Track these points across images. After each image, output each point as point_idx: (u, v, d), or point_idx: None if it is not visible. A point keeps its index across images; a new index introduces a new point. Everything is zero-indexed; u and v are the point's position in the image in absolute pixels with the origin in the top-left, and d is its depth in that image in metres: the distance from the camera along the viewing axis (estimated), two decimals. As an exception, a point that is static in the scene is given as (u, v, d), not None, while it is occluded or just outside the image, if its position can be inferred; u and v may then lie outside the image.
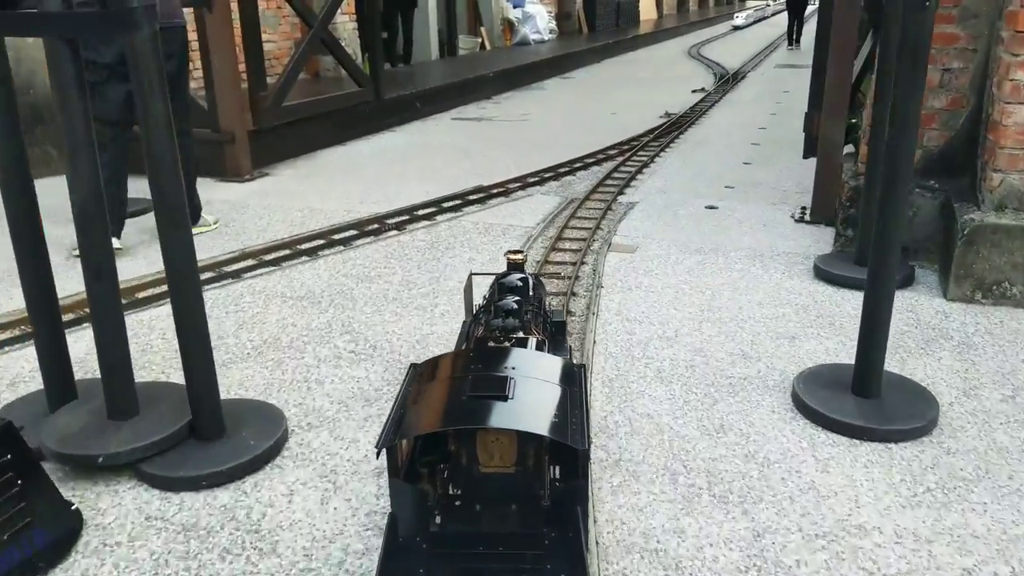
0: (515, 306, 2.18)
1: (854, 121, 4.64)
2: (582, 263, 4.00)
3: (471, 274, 2.55)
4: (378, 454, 1.61)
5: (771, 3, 36.42)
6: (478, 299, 2.43)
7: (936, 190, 3.84)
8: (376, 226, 4.74)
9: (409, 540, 1.70)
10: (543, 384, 1.77)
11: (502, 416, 1.63)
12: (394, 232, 4.65)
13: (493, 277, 2.45)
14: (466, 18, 14.57)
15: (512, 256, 2.49)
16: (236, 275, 3.92)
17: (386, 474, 1.73)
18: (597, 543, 1.98)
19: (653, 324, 3.26)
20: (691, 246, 4.30)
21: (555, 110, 9.41)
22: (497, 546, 1.70)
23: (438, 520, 1.73)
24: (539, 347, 2.10)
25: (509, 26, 15.14)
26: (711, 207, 5.10)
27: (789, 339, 3.11)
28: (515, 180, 5.83)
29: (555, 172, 6.11)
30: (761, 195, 5.41)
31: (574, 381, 1.83)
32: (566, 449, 1.67)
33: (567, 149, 6.89)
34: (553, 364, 1.90)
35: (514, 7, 15.17)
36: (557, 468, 1.82)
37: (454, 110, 9.52)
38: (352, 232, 4.62)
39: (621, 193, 5.46)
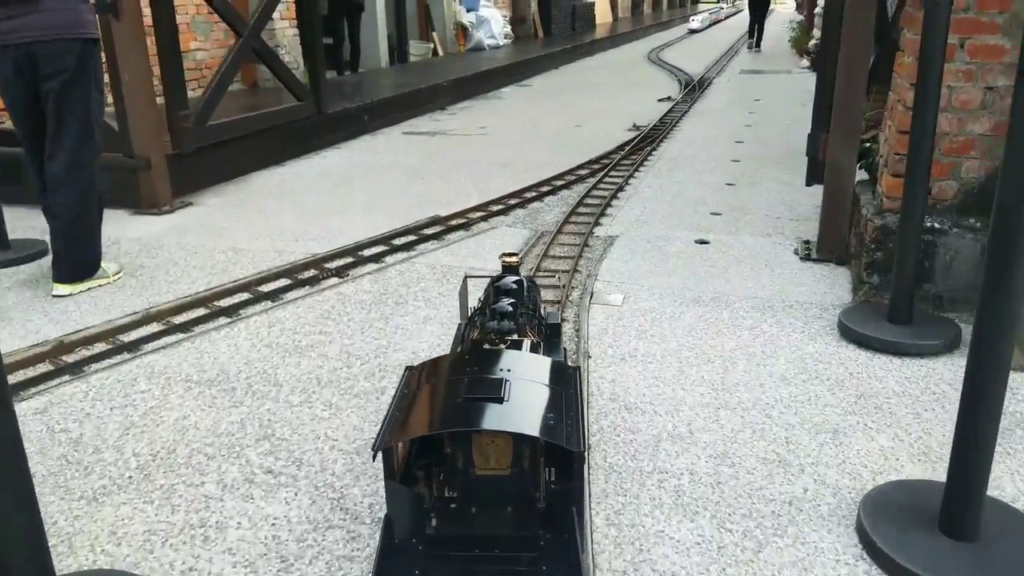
0: (510, 308, 2.16)
1: (868, 144, 4.05)
2: (562, 320, 3.31)
3: (466, 276, 2.56)
4: (374, 456, 1.62)
5: (724, 6, 36.36)
6: (473, 301, 2.38)
7: (977, 230, 3.24)
8: (313, 272, 3.99)
9: (405, 542, 1.70)
10: (538, 386, 1.78)
11: (498, 418, 1.63)
12: (334, 280, 3.91)
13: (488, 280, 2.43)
14: (417, 23, 13.83)
15: (507, 259, 2.46)
16: (133, 348, 3.14)
17: (382, 476, 1.73)
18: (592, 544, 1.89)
19: (659, 414, 2.58)
20: (687, 294, 3.65)
21: (515, 122, 8.74)
22: (493, 548, 1.71)
23: (434, 522, 1.74)
24: (534, 349, 2.08)
25: (463, 31, 14.44)
26: (702, 241, 4.47)
27: (831, 433, 2.46)
28: (476, 208, 5.13)
29: (521, 198, 5.42)
30: (753, 224, 4.80)
31: (569, 383, 1.83)
32: (561, 451, 1.67)
33: (532, 169, 6.22)
34: (548, 366, 1.89)
35: (467, 11, 14.47)
36: (552, 470, 1.80)
37: (406, 123, 8.79)
38: (283, 282, 3.86)
39: (597, 224, 4.79)
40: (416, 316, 3.42)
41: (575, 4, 20.53)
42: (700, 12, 29.62)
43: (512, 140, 7.64)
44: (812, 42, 12.73)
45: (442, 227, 4.77)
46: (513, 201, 5.34)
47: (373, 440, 1.66)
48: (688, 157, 6.70)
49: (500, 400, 1.64)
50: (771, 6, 19.43)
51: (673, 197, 5.45)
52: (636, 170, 6.22)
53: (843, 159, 3.92)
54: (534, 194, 5.52)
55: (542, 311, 2.44)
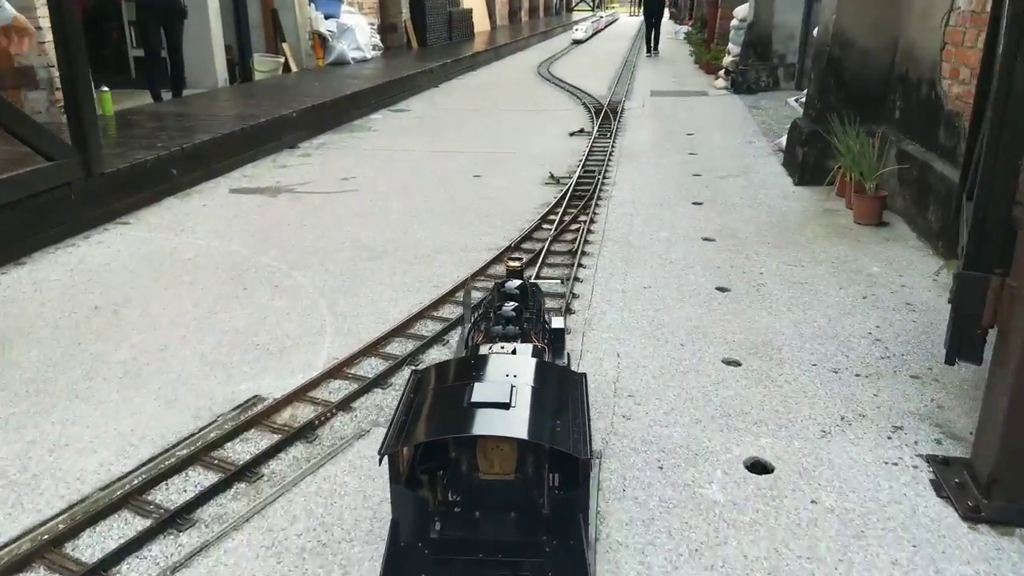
0: (515, 313, 2.19)
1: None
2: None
3: (469, 281, 2.77)
4: (380, 460, 1.61)
5: (602, 15, 35.29)
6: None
7: None
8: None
9: (411, 546, 1.71)
10: (544, 392, 1.77)
11: (504, 424, 1.63)
12: None
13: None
14: (263, 32, 11.29)
15: (511, 263, 2.46)
16: None
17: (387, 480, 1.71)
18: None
19: None
20: None
21: (392, 169, 6.50)
22: (497, 553, 1.72)
23: (438, 526, 1.74)
24: (539, 354, 2.06)
25: (321, 41, 12.01)
26: (755, 465, 2.43)
27: None
28: (318, 384, 2.90)
29: (399, 348, 3.23)
30: (821, 398, 2.82)
31: (575, 389, 1.84)
32: (566, 457, 1.67)
33: (424, 265, 4.06)
34: (553, 372, 1.95)
35: (326, 17, 12.05)
36: (556, 476, 1.78)
37: (239, 171, 6.38)
38: None
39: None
40: None
41: (451, 11, 18.44)
42: (581, 21, 28.21)
43: (390, 204, 5.41)
44: (727, 59, 11.21)
45: (251, 450, 2.51)
46: (385, 353, 3.14)
47: (380, 444, 1.63)
48: (642, 235, 4.70)
49: (506, 406, 1.64)
50: (664, 11, 19.98)
51: (650, 327, 3.40)
52: (578, 266, 4.14)
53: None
54: (422, 335, 3.33)
55: (546, 316, 2.44)
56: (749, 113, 8.95)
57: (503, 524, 1.76)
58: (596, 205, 5.35)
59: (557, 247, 4.46)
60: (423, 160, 6.88)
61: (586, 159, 6.76)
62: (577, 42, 22.88)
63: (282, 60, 11.09)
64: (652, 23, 18.04)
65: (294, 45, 11.47)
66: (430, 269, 4.11)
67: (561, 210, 5.15)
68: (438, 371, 1.90)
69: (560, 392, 1.81)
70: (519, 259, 2.52)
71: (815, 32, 6.24)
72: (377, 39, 13.95)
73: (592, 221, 4.93)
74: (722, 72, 11.26)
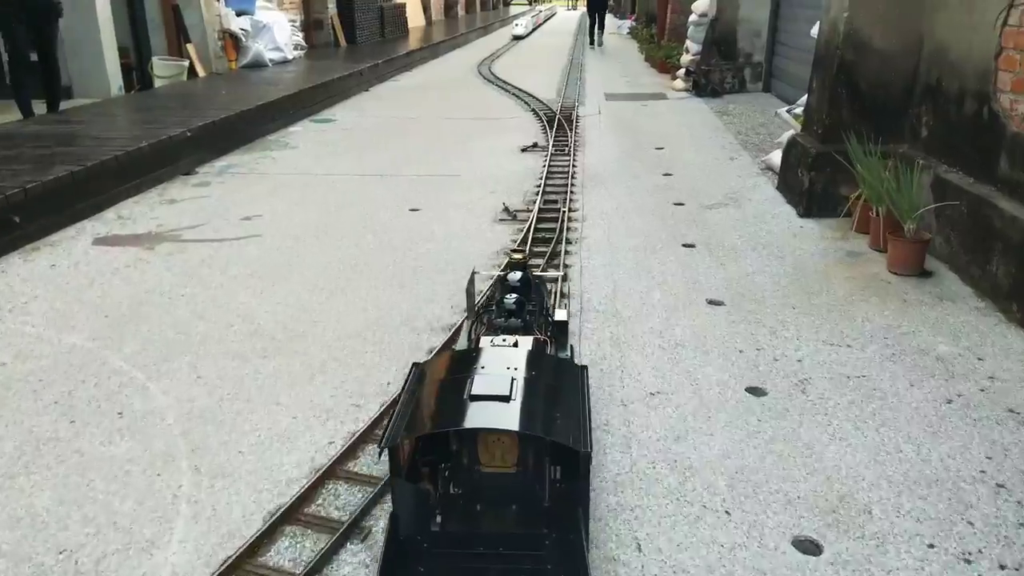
0: (518, 305, 2.19)
1: None
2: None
3: (473, 272, 2.59)
4: (380, 454, 1.77)
5: (540, 9, 34.28)
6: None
7: None
8: None
9: (410, 539, 1.70)
10: (545, 385, 1.79)
11: (505, 417, 1.64)
12: None
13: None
14: (163, 31, 9.87)
15: (513, 255, 2.46)
16: None
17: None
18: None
19: None
20: None
21: (308, 201, 5.30)
22: (497, 546, 1.71)
23: (439, 519, 1.73)
24: (541, 347, 2.08)
25: (233, 41, 10.63)
26: None
27: None
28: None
29: (294, 547, 2.07)
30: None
31: (575, 381, 1.85)
32: (567, 450, 1.66)
33: (333, 365, 2.90)
34: (555, 364, 1.96)
35: (237, 14, 10.67)
36: (557, 469, 1.78)
37: (112, 210, 5.10)
38: None
39: None
40: None
41: (383, 6, 17.12)
42: (520, 16, 27.13)
43: (302, 255, 4.22)
44: (686, 58, 10.24)
45: None
46: (293, 552, 1.99)
47: (380, 437, 1.66)
48: (630, 298, 3.62)
49: (507, 399, 1.64)
50: (608, 5, 21.01)
51: (675, 481, 2.32)
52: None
53: None
54: (353, 500, 2.18)
55: (548, 308, 2.43)
56: (719, 121, 7.98)
57: (504, 517, 1.76)
58: (566, 252, 4.26)
59: (522, 323, 3.36)
60: (348, 187, 5.67)
61: (545, 183, 5.66)
62: (517, 38, 21.77)
63: (187, 64, 9.69)
64: (596, 16, 18.38)
65: (201, 46, 10.07)
66: (353, 369, 2.96)
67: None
68: (440, 363, 1.91)
69: (562, 385, 1.82)
70: (522, 251, 2.46)
71: (813, 32, 5.27)
72: (299, 37, 12.59)
73: (565, 278, 3.83)
74: (681, 72, 10.29)
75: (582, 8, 45.80)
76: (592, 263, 4.08)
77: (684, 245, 4.36)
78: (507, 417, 1.64)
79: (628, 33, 21.99)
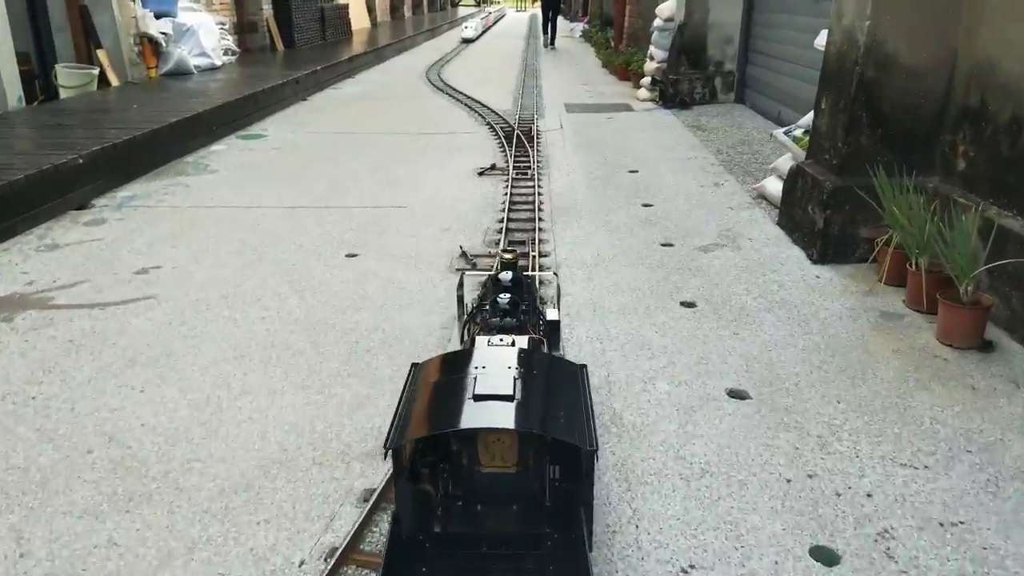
0: (512, 305, 2.18)
1: None
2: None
3: (463, 272, 2.59)
4: (386, 455, 1.61)
5: (489, 11, 33.45)
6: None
7: None
8: None
9: (412, 540, 1.69)
10: (547, 383, 1.78)
11: (509, 417, 1.62)
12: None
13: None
14: (70, 35, 8.75)
15: (504, 255, 2.43)
16: None
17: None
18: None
19: None
20: None
21: (221, 246, 4.36)
22: (500, 546, 1.71)
23: (440, 520, 1.74)
24: (537, 346, 2.09)
25: (152, 47, 9.54)
26: None
27: None
28: None
29: None
30: None
31: (576, 380, 1.84)
32: (566, 449, 1.68)
33: (203, 546, 1.98)
34: (555, 363, 1.96)
35: (157, 16, 9.59)
36: (556, 468, 1.77)
37: (-25, 263, 4.10)
38: None
39: None
40: None
41: (324, 7, 16.07)
42: (469, 17, 26.25)
43: (202, 333, 3.29)
44: (650, 65, 9.50)
45: None
46: None
47: (385, 438, 1.62)
48: (629, 390, 2.80)
49: (511, 398, 1.62)
50: (561, 6, 20.84)
51: None
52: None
53: None
54: None
55: (540, 307, 2.43)
56: (695, 137, 7.24)
57: (505, 517, 1.76)
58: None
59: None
60: (274, 225, 4.75)
61: (508, 217, 4.83)
62: (467, 41, 20.90)
63: (97, 72, 8.58)
64: (549, 17, 18.34)
65: (113, 52, 8.97)
66: (230, 550, 2.07)
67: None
68: (439, 363, 1.89)
69: (562, 383, 1.82)
70: (512, 251, 2.48)
71: (818, 43, 4.53)
72: (230, 41, 11.53)
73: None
74: (646, 81, 9.55)
75: (531, 10, 45.19)
76: (576, 334, 3.25)
77: (683, 304, 3.57)
78: (512, 417, 1.62)
79: (581, 36, 21.31)
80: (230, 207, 5.17)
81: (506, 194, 5.42)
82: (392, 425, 1.65)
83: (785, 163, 4.86)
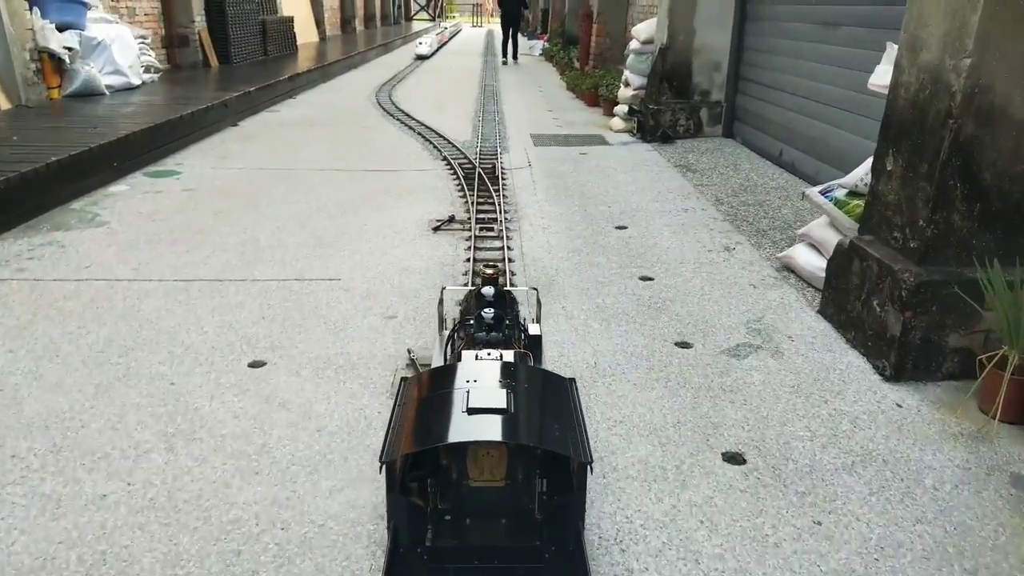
0: (496, 319, 2.18)
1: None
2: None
3: (444, 288, 2.63)
4: (381, 468, 1.64)
5: (445, 26, 32.42)
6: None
7: None
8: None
9: (409, 552, 1.72)
10: (539, 397, 1.81)
11: (506, 430, 1.62)
12: None
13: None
14: (-54, 48, 7.39)
15: (486, 270, 2.40)
16: None
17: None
18: None
19: None
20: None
21: (83, 348, 3.15)
22: (494, 559, 1.73)
23: (430, 534, 1.74)
24: (524, 360, 2.08)
25: (54, 63, 8.21)
26: None
27: None
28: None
29: None
30: None
31: (566, 394, 1.86)
32: (555, 462, 1.72)
33: None
34: (545, 377, 1.97)
35: (60, 28, 8.26)
36: (544, 482, 1.75)
37: None
38: None
39: None
40: None
41: (265, 20, 14.81)
42: (423, 33, 25.14)
43: (14, 530, 2.12)
44: (625, 92, 8.51)
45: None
46: None
47: (380, 452, 1.64)
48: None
49: (506, 412, 1.63)
50: (521, 20, 20.27)
51: None
52: None
53: None
54: None
55: (523, 322, 2.40)
56: (686, 181, 6.23)
57: (496, 531, 1.76)
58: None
59: None
60: (157, 311, 3.55)
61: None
62: (421, 57, 19.78)
63: (-21, 93, 7.25)
64: (509, 32, 18.54)
65: (4, 69, 7.63)
66: None
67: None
68: (431, 377, 1.91)
69: (553, 397, 1.83)
70: (494, 266, 2.45)
71: (875, 82, 3.53)
72: (152, 57, 10.22)
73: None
74: (620, 110, 8.55)
75: (488, 26, 44.21)
76: (590, 517, 2.15)
77: (726, 458, 2.49)
78: (510, 430, 1.62)
79: (541, 54, 20.38)
80: (107, 280, 3.95)
81: (468, 260, 4.32)
82: (386, 439, 1.69)
83: (821, 230, 3.85)
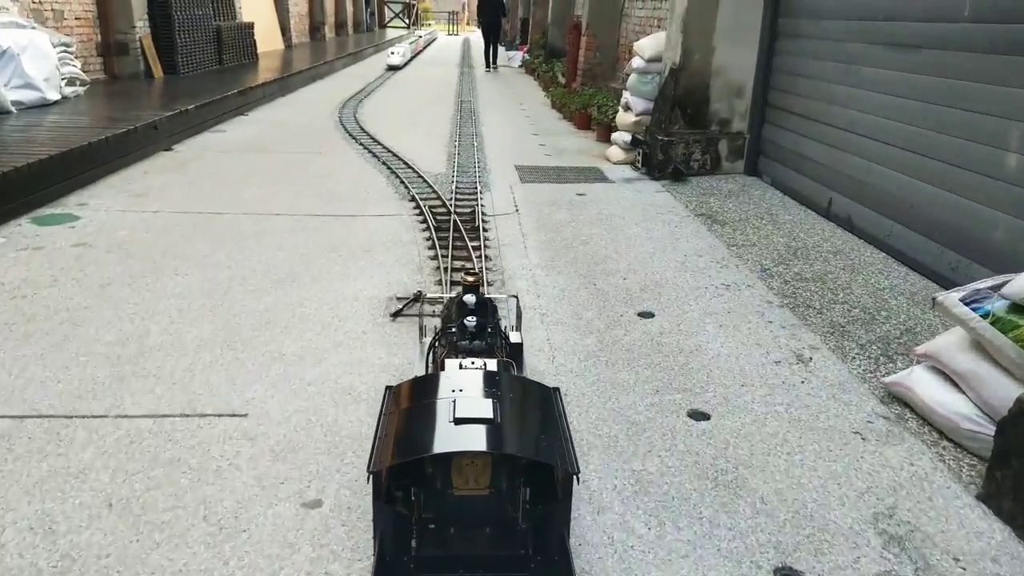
0: (479, 328, 2.17)
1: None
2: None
3: (424, 296, 2.78)
4: (369, 478, 1.62)
5: (420, 34, 31.11)
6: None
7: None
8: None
9: (396, 561, 1.70)
10: (524, 406, 1.80)
11: (492, 440, 1.61)
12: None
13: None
14: None
15: (467, 278, 2.36)
16: None
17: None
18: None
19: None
20: None
21: None
22: (479, 568, 1.70)
23: (414, 543, 1.72)
24: (507, 369, 2.05)
25: (-61, 75, 6.80)
26: None
27: None
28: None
29: None
30: None
31: (551, 403, 1.84)
32: (538, 471, 1.71)
33: None
34: (529, 386, 1.95)
35: (-53, 33, 6.86)
36: (528, 491, 1.73)
37: None
38: None
39: None
40: None
41: (220, 25, 13.41)
42: (397, 41, 23.78)
43: None
44: (626, 117, 7.28)
45: None
46: None
47: (367, 462, 1.63)
48: None
49: (492, 421, 1.62)
50: (501, 28, 20.39)
51: None
52: None
53: None
54: None
55: (503, 330, 2.39)
56: (714, 236, 4.98)
57: (480, 540, 1.74)
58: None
59: None
60: (23, 493, 2.22)
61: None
62: (393, 68, 18.46)
63: None
64: (490, 40, 18.75)
65: None
66: None
67: None
68: (415, 387, 1.87)
69: (537, 406, 1.82)
70: (475, 273, 2.40)
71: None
72: (76, 67, 8.81)
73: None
74: (619, 137, 7.30)
75: (464, 34, 42.91)
76: None
77: None
78: (496, 440, 1.61)
79: (521, 67, 19.17)
80: None
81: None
82: (373, 448, 1.66)
83: (960, 355, 2.61)
